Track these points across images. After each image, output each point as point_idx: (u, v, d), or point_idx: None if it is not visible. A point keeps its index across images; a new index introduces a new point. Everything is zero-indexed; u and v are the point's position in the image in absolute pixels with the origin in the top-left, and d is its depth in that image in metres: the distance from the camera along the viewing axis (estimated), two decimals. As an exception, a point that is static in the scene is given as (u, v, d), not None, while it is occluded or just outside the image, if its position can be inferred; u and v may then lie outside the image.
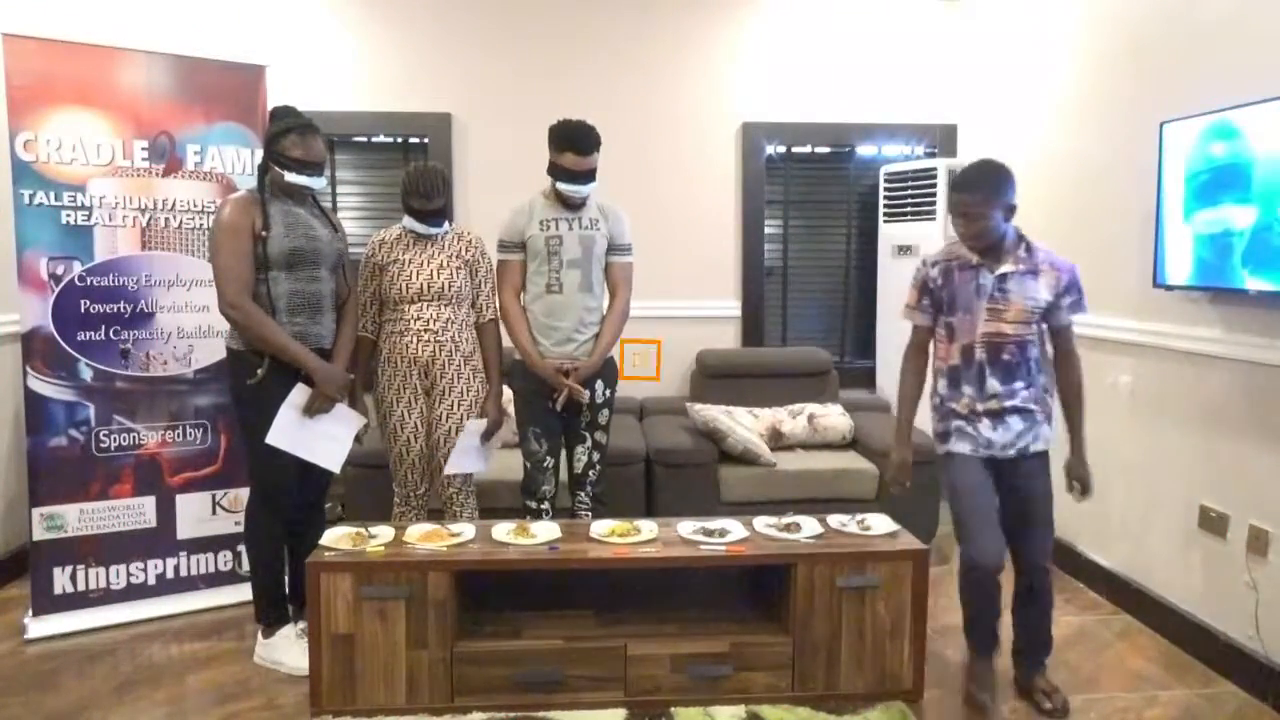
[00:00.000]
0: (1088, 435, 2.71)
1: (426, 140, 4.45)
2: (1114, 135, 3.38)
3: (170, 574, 3.32)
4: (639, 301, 3.30)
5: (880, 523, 2.84)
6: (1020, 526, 2.64)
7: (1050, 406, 2.66)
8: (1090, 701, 2.67)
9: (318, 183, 2.81)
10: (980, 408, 2.61)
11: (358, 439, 3.02)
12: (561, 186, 3.02)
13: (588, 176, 3.01)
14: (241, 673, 2.84)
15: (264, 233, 2.69)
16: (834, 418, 4.18)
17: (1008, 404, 2.58)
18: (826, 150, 4.71)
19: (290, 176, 2.73)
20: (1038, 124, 3.93)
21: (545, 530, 2.78)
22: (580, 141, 2.98)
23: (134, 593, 3.26)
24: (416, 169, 3.01)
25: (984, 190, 2.48)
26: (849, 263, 4.79)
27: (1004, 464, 2.63)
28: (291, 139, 2.72)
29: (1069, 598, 3.43)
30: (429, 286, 3.00)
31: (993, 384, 2.58)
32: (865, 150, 4.68)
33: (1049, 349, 2.65)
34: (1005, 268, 2.54)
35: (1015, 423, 2.60)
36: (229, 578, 3.39)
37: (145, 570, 3.28)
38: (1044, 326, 2.61)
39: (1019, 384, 2.58)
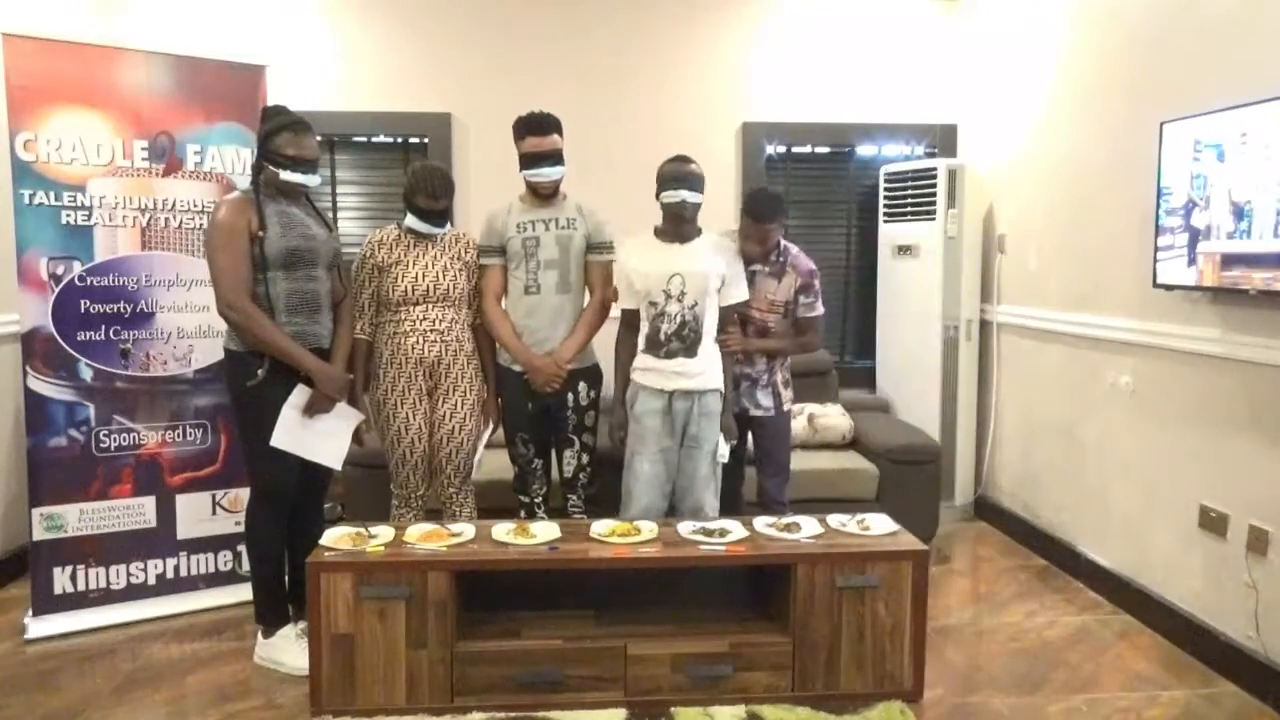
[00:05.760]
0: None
1: (426, 140, 4.45)
2: (1114, 135, 3.38)
3: (170, 574, 3.31)
4: (639, 301, 3.29)
5: (880, 523, 2.84)
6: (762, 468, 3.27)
7: (772, 380, 3.20)
8: (1090, 701, 2.67)
9: (313, 180, 2.81)
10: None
11: (358, 439, 3.03)
12: (528, 174, 3.04)
13: (551, 159, 3.02)
14: (241, 673, 2.84)
15: (260, 233, 2.69)
16: (834, 418, 4.18)
17: (745, 371, 3.16)
18: (826, 150, 4.71)
19: (285, 175, 2.73)
20: (1037, 124, 3.93)
21: (545, 530, 2.78)
22: (535, 123, 3.01)
23: (134, 593, 3.25)
24: (424, 167, 3.00)
25: (779, 219, 3.03)
26: (849, 263, 4.79)
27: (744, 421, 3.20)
28: (285, 137, 2.72)
29: (1069, 598, 3.43)
30: (434, 288, 3.00)
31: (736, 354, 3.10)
32: (865, 150, 4.67)
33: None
34: (755, 266, 3.10)
35: (744, 387, 3.17)
36: (229, 578, 3.39)
37: (145, 570, 3.28)
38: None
39: (754, 357, 3.16)
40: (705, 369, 2.96)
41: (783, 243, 3.17)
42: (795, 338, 3.22)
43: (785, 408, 3.25)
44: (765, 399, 3.19)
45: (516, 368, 3.10)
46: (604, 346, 3.19)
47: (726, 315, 3.02)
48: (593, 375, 3.17)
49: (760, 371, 3.18)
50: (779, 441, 3.27)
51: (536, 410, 3.12)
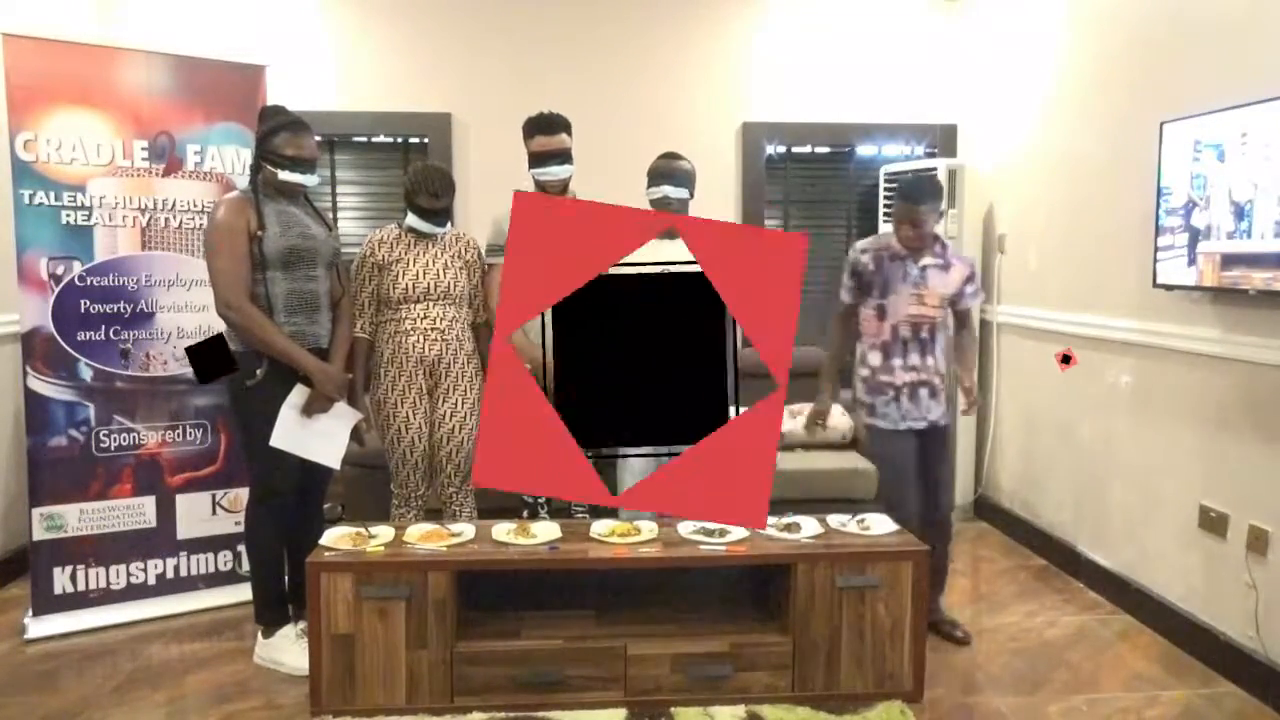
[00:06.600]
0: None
1: (426, 140, 4.45)
2: (1114, 135, 3.38)
3: (170, 574, 3.31)
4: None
5: (880, 523, 2.84)
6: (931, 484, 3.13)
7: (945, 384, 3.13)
8: (1090, 701, 2.67)
9: (311, 180, 2.81)
10: (905, 380, 3.03)
11: (359, 439, 3.03)
12: (536, 172, 3.07)
13: (560, 157, 3.06)
14: (241, 673, 2.84)
15: (259, 232, 2.69)
16: (834, 418, 4.16)
17: (922, 378, 3.03)
18: (826, 150, 4.71)
19: (283, 174, 2.73)
20: (1037, 124, 3.93)
21: (545, 530, 2.78)
22: (544, 123, 3.05)
23: (134, 593, 3.25)
24: (425, 167, 3.01)
25: (935, 202, 2.95)
26: (849, 263, 4.79)
27: (920, 433, 3.07)
28: (283, 137, 2.72)
29: (1069, 598, 3.43)
30: (435, 286, 3.00)
31: (913, 358, 3.02)
32: (865, 150, 4.67)
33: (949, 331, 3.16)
34: (925, 260, 3.00)
35: (924, 395, 3.04)
36: (229, 578, 3.39)
37: (145, 570, 3.27)
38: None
39: (930, 360, 3.04)
40: None
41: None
42: (959, 334, 3.17)
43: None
44: (943, 403, 3.12)
45: (528, 366, 3.08)
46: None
47: None
48: None
49: (932, 374, 3.07)
50: (951, 447, 3.26)
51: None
